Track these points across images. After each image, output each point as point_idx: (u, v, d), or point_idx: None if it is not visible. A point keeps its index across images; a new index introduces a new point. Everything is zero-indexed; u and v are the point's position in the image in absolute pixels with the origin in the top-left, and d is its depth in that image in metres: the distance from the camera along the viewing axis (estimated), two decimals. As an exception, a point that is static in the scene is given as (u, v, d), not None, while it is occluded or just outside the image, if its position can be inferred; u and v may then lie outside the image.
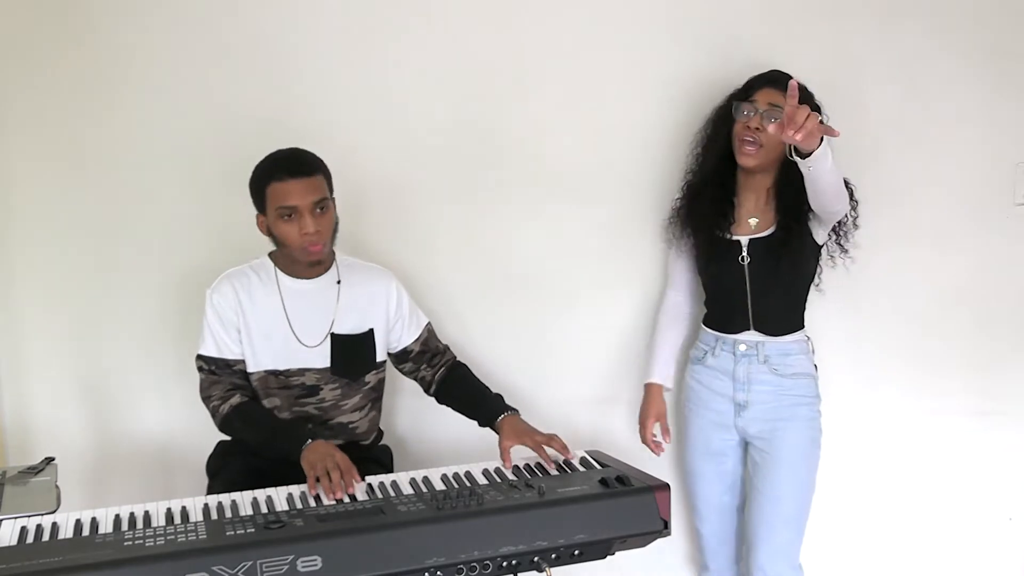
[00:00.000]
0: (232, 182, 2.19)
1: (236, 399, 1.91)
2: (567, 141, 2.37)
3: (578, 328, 2.44)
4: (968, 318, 2.57)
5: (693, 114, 2.31)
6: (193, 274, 2.21)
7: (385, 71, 2.27)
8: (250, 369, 1.97)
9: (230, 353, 1.95)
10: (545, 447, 1.87)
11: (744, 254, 2.10)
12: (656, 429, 2.24)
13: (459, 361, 2.14)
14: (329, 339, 1.98)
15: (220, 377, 1.94)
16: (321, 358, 1.98)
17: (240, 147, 2.19)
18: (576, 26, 2.33)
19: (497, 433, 1.95)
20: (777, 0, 2.39)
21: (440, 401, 2.12)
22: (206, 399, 1.94)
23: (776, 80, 2.05)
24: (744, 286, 2.11)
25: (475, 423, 2.05)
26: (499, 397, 2.05)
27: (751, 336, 2.12)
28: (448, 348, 2.16)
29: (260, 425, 1.90)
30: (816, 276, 2.19)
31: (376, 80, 2.27)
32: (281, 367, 1.97)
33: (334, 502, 1.66)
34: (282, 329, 1.96)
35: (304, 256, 1.90)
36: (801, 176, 1.89)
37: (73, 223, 2.18)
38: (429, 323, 2.14)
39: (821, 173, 1.84)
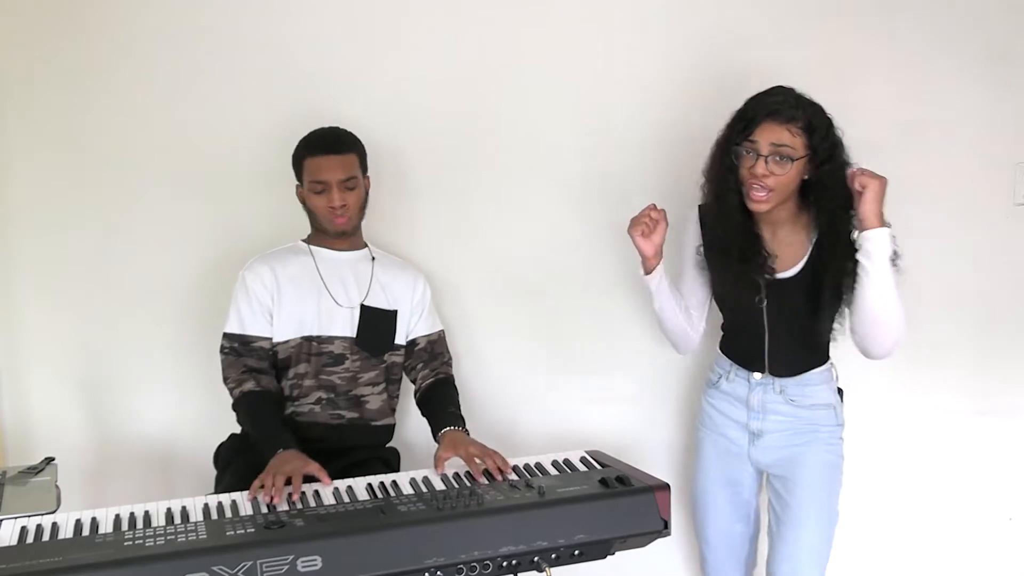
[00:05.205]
0: (235, 180, 2.19)
1: (248, 386, 1.94)
2: (569, 140, 2.37)
3: (579, 328, 2.44)
4: (968, 318, 2.57)
5: (693, 113, 2.32)
6: (194, 273, 2.21)
7: (391, 70, 2.27)
8: (286, 337, 2.01)
9: (252, 329, 1.99)
10: (478, 459, 1.81)
11: (762, 295, 1.93)
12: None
13: (450, 377, 2.13)
14: (359, 308, 2.05)
15: (239, 358, 1.98)
16: (350, 326, 2.04)
17: (243, 144, 2.20)
18: (578, 26, 2.33)
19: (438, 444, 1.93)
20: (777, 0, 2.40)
21: (418, 406, 2.11)
22: (225, 380, 1.99)
23: (778, 111, 1.81)
24: (761, 329, 1.96)
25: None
26: (457, 416, 2.00)
27: (767, 376, 1.99)
28: (450, 361, 2.17)
29: (251, 421, 1.94)
30: (842, 305, 1.93)
31: (382, 79, 2.27)
32: (315, 332, 2.02)
33: (266, 508, 1.63)
34: (318, 290, 2.03)
35: (330, 226, 2.03)
36: (831, 196, 1.83)
37: (73, 222, 2.18)
38: (442, 331, 2.18)
39: (874, 282, 1.77)
